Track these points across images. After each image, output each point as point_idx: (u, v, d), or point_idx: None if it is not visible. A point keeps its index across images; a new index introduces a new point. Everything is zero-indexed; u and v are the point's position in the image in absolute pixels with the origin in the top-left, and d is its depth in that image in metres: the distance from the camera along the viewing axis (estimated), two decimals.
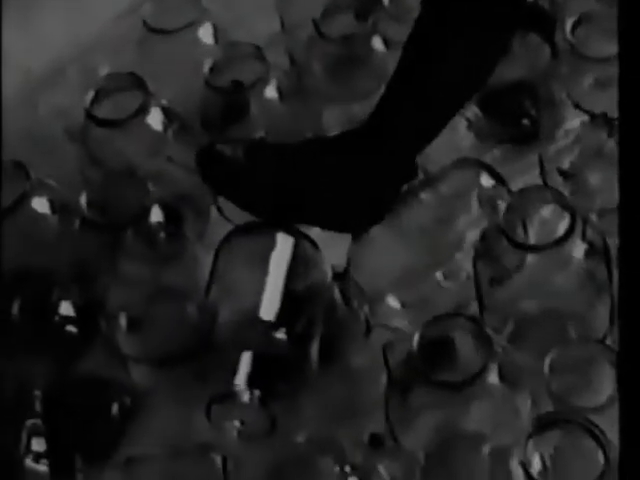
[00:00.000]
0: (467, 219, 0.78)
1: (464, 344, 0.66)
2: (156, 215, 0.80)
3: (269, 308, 0.77)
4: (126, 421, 0.80)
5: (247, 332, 0.78)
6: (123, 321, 0.84)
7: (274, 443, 0.75)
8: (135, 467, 0.74)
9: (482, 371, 0.63)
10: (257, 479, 0.74)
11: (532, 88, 0.91)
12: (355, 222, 0.78)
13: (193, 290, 0.85)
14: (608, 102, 0.88)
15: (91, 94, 0.84)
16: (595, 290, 0.70)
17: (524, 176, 0.85)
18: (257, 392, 0.75)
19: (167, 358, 0.84)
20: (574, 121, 0.89)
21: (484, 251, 0.72)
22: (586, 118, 0.88)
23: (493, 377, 0.64)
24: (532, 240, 0.71)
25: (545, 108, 0.90)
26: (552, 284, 0.70)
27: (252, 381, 0.76)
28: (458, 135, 0.90)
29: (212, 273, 0.82)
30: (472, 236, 0.76)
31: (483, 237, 0.73)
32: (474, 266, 0.72)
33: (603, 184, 0.80)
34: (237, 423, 0.76)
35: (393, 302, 0.77)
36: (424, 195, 0.80)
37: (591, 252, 0.69)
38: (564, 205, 0.70)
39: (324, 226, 0.79)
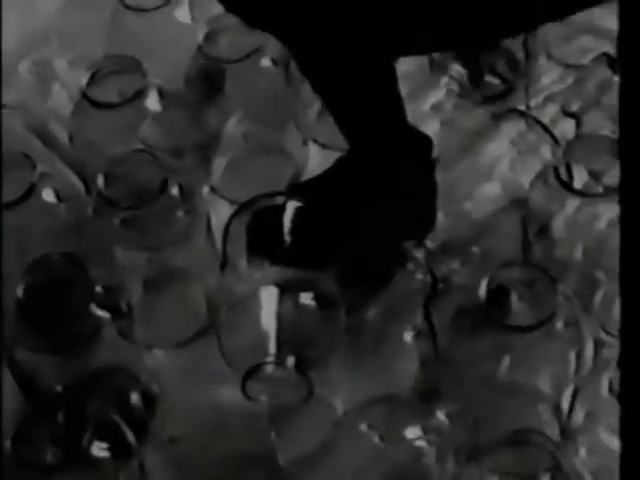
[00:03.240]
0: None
1: (526, 292, 0.67)
2: (174, 191, 0.79)
3: None
4: (152, 406, 0.79)
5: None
6: (136, 307, 0.82)
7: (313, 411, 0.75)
8: (179, 447, 0.73)
9: (550, 317, 0.64)
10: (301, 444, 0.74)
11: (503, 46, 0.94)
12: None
13: (201, 270, 0.84)
14: (578, 53, 0.92)
15: (87, 76, 0.82)
16: None
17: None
18: (291, 361, 0.75)
19: (182, 341, 0.83)
20: (552, 72, 0.92)
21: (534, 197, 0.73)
22: (561, 69, 0.92)
23: (559, 324, 0.65)
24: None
25: (521, 62, 0.93)
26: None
27: (284, 350, 0.76)
28: (441, 96, 0.92)
29: (224, 251, 0.81)
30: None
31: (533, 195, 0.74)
32: (523, 220, 0.74)
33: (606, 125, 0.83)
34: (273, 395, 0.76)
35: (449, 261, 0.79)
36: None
37: None
38: (615, 154, 0.71)
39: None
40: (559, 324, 0.65)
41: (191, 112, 0.89)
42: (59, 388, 0.76)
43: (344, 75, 0.71)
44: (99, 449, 0.66)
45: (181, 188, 0.79)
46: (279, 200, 0.81)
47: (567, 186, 0.71)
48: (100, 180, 0.77)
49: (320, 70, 0.72)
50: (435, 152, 0.85)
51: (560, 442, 0.65)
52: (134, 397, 0.79)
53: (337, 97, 0.75)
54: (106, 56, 0.85)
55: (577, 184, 0.74)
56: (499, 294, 0.67)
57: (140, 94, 0.83)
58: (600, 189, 0.72)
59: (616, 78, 0.82)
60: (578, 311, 0.66)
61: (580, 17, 0.92)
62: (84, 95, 0.82)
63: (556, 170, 0.72)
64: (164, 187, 0.78)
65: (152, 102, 0.84)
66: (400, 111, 0.78)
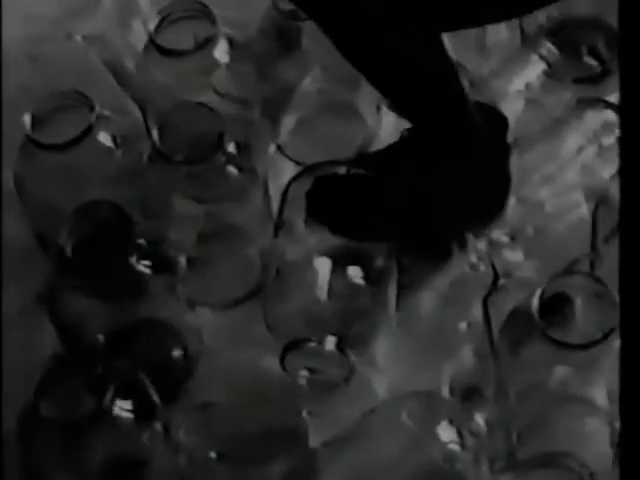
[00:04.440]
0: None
1: (585, 304, 0.62)
2: (231, 147, 0.76)
3: None
4: (191, 364, 0.77)
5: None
6: (184, 262, 0.80)
7: (352, 393, 0.71)
8: (210, 412, 0.71)
9: (607, 335, 0.60)
10: (336, 429, 0.71)
11: (606, 23, 0.88)
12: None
13: (255, 230, 0.81)
14: None
15: (155, 21, 0.79)
16: None
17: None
18: (334, 339, 0.72)
19: (230, 301, 0.80)
20: None
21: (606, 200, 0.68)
22: None
23: (615, 342, 0.60)
24: None
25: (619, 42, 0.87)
26: None
27: (330, 325, 0.74)
28: (530, 74, 0.86)
29: (280, 214, 0.78)
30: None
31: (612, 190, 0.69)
32: (593, 216, 0.69)
33: None
34: (312, 372, 0.73)
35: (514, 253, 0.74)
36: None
37: None
38: None
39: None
40: (618, 340, 0.60)
41: (262, 65, 0.86)
42: (100, 337, 0.74)
43: (388, 56, 0.67)
44: (121, 409, 0.64)
45: (239, 145, 0.76)
46: (343, 169, 0.77)
47: None
48: (155, 132, 0.74)
49: (364, 53, 0.68)
50: (514, 134, 0.80)
51: (608, 468, 0.61)
52: (173, 355, 0.77)
53: (384, 79, 0.70)
54: (178, 0, 0.81)
55: None
56: (558, 302, 0.63)
57: (209, 42, 0.79)
58: None
59: None
60: None
61: None
62: (151, 40, 0.79)
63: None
64: (220, 143, 0.74)
65: (221, 52, 0.81)
66: (454, 87, 0.73)
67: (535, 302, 0.61)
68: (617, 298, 0.60)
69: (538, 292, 0.62)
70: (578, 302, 0.63)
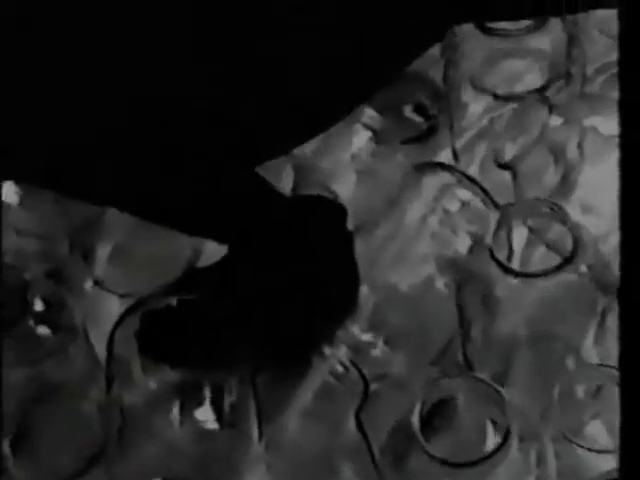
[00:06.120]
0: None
1: (469, 405, 0.54)
2: (39, 305, 0.65)
3: None
4: None
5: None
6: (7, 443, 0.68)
7: None
8: None
9: (501, 446, 0.52)
10: None
11: (424, 75, 0.81)
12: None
13: (85, 385, 0.71)
14: (503, 78, 0.80)
15: None
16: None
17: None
18: None
19: (70, 475, 0.69)
20: (478, 103, 0.80)
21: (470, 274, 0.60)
22: (490, 99, 0.79)
23: (513, 441, 0.52)
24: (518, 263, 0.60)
25: (444, 95, 0.80)
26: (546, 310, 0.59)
27: None
28: (356, 145, 0.79)
29: (110, 362, 0.68)
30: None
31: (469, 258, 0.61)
32: (458, 292, 0.61)
33: (544, 170, 0.71)
34: None
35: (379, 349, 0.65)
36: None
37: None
38: (563, 220, 0.59)
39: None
40: (513, 441, 0.52)
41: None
42: None
43: None
44: None
45: (48, 301, 0.66)
46: (171, 298, 0.68)
47: (502, 266, 0.59)
48: None
49: None
50: (354, 216, 0.72)
51: None
52: None
53: None
54: None
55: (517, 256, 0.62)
56: (440, 409, 0.54)
57: None
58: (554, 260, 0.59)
59: (553, 120, 0.69)
60: (533, 421, 0.53)
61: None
62: None
63: (490, 250, 0.59)
64: (25, 304, 0.64)
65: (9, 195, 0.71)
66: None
67: (415, 419, 0.53)
68: (503, 392, 0.52)
69: (417, 407, 0.53)
70: (460, 405, 0.55)
